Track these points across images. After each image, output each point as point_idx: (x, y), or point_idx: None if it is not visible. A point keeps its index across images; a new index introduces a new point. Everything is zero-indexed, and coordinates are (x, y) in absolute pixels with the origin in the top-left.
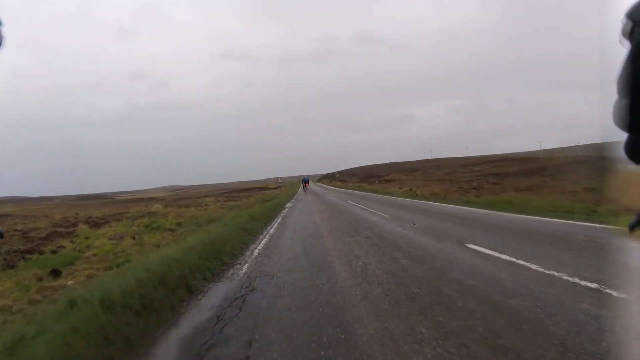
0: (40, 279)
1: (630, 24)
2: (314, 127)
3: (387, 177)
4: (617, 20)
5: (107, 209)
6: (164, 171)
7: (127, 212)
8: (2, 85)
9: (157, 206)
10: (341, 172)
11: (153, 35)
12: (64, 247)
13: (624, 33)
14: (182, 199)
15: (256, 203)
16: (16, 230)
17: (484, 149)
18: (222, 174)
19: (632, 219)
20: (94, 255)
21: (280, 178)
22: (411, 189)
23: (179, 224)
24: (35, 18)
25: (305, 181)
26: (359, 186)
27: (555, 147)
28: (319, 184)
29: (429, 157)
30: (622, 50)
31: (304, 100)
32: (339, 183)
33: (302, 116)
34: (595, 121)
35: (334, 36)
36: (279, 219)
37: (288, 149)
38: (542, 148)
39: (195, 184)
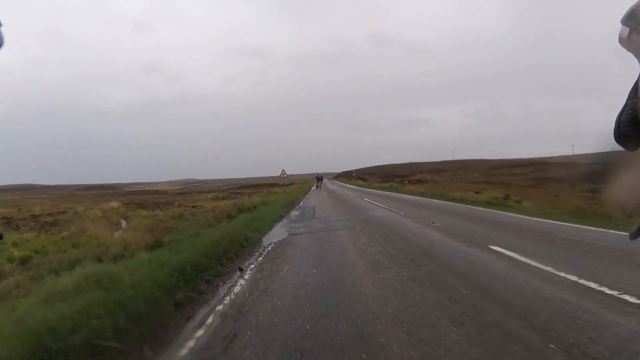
0: None
1: (626, 30)
2: (327, 126)
3: (415, 177)
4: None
5: (88, 202)
6: (180, 164)
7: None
8: (18, 74)
9: (114, 205)
10: (358, 171)
11: (169, 29)
12: None
13: (620, 39)
14: (183, 193)
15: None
16: None
17: (509, 152)
18: (237, 169)
19: (635, 227)
20: None
21: (285, 172)
22: (477, 192)
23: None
24: (55, 9)
25: (318, 178)
26: (390, 186)
27: (587, 152)
28: (337, 182)
29: (451, 159)
30: None
31: (318, 100)
32: (360, 182)
33: (316, 115)
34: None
35: (349, 37)
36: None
37: (301, 147)
38: (575, 153)
39: (211, 178)
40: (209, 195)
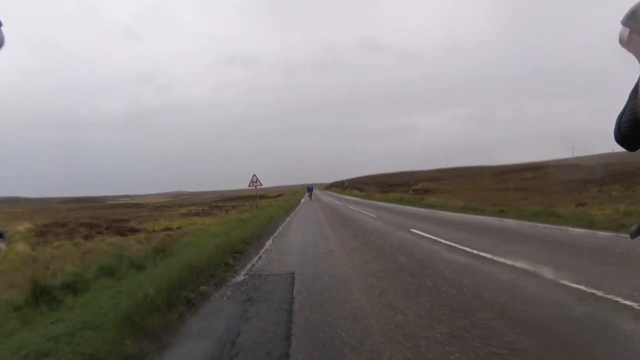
0: None
1: (626, 31)
2: (317, 135)
3: (418, 187)
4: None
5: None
6: (169, 176)
7: None
8: (6, 84)
9: (21, 228)
10: (350, 181)
11: (158, 38)
12: None
13: (620, 40)
14: (163, 207)
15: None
16: None
17: (503, 157)
18: (228, 180)
19: (634, 226)
20: None
21: (257, 179)
22: (581, 204)
23: None
24: (43, 18)
25: (309, 189)
26: (401, 198)
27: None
28: (330, 192)
29: (445, 166)
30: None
31: (307, 108)
32: (356, 192)
33: (305, 124)
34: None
35: (338, 44)
36: None
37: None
38: (575, 155)
39: (201, 189)
40: (183, 210)
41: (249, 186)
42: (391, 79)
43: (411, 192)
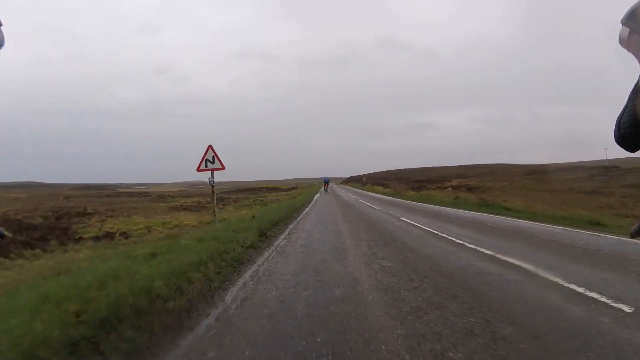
0: None
1: (626, 31)
2: (333, 130)
3: (452, 184)
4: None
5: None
6: (188, 166)
7: None
8: (28, 72)
9: None
10: (368, 176)
11: (176, 31)
12: None
13: (620, 40)
14: (166, 196)
15: None
16: None
17: (525, 157)
18: (242, 172)
19: (635, 225)
20: None
21: (216, 158)
22: None
23: None
24: (63, 8)
25: (325, 182)
26: (466, 199)
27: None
28: (348, 187)
29: (470, 163)
30: None
31: (323, 103)
32: (379, 188)
33: (321, 118)
34: None
35: (356, 40)
36: None
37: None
38: (608, 157)
39: (217, 180)
40: (176, 203)
41: (197, 169)
42: (408, 77)
43: (450, 189)
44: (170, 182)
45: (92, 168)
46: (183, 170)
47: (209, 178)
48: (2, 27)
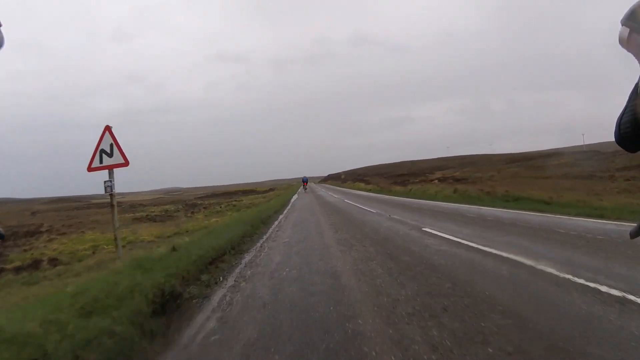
0: None
1: (626, 31)
2: (310, 129)
3: (435, 176)
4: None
5: None
6: (165, 173)
7: None
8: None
9: None
10: (347, 173)
11: (149, 38)
12: None
13: (620, 40)
14: (136, 205)
15: None
16: None
17: (505, 147)
18: (221, 176)
19: (635, 226)
20: None
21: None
22: None
23: None
24: (34, 21)
25: (304, 181)
26: (455, 191)
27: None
28: (327, 186)
29: (447, 155)
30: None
31: (300, 102)
32: (361, 184)
33: (298, 118)
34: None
35: (330, 38)
36: None
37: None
38: (586, 142)
39: (194, 186)
40: (142, 214)
41: (89, 169)
42: (383, 72)
43: (436, 181)
44: (149, 190)
45: (69, 180)
46: (161, 177)
47: (106, 182)
48: (1, 28)
